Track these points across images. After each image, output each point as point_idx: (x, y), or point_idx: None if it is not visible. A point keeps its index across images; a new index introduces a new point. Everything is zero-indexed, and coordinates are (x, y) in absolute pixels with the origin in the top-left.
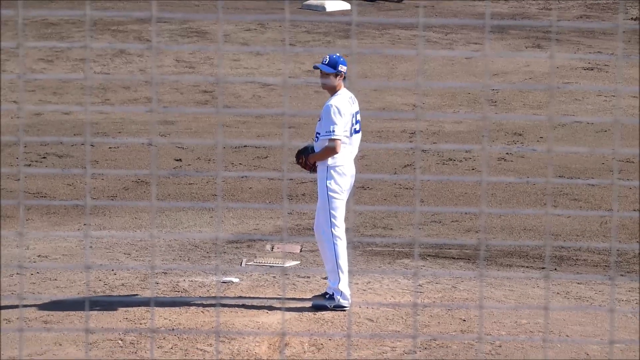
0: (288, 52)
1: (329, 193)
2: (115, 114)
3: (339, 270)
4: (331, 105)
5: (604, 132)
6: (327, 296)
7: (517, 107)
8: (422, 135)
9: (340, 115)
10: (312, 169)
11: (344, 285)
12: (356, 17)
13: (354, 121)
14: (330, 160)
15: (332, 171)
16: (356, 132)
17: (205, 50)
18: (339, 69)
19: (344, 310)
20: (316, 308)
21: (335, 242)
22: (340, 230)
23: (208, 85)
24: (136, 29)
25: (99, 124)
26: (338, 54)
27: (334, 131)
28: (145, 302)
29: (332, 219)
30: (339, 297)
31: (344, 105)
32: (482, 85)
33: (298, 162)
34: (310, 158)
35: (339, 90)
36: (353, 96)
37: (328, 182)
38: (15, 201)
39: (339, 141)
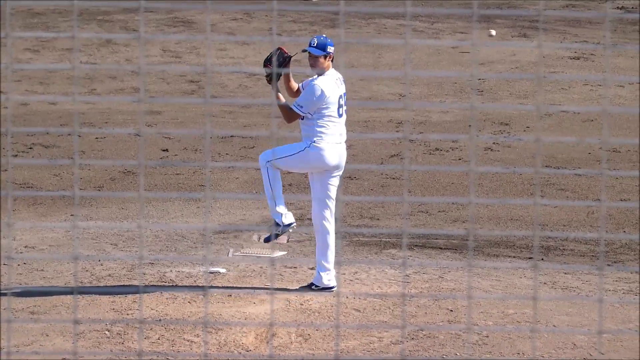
0: (275, 41)
1: (298, 152)
2: (102, 104)
3: (277, 195)
4: (316, 85)
5: (590, 121)
6: (312, 286)
7: (504, 96)
8: (409, 125)
9: (320, 98)
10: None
11: (282, 208)
12: (343, 7)
13: (341, 102)
14: (316, 138)
15: (312, 145)
16: (340, 115)
17: (192, 40)
18: (328, 50)
19: (291, 228)
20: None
21: (267, 168)
22: (275, 170)
23: (194, 75)
24: (122, 18)
25: (85, 114)
26: (324, 35)
27: (301, 107)
28: (132, 293)
29: (276, 162)
30: (279, 220)
31: (330, 87)
32: (469, 75)
33: (265, 66)
34: (276, 94)
35: (327, 71)
36: (341, 77)
37: (306, 150)
38: (3, 192)
39: (297, 116)
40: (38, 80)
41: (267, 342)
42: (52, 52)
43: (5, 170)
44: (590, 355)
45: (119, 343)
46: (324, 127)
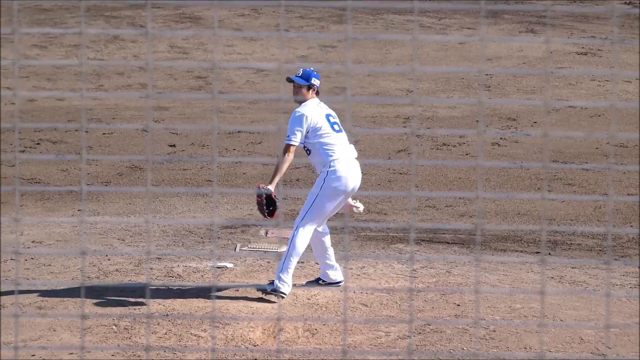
0: (282, 37)
1: (321, 190)
2: (109, 100)
3: (288, 262)
4: (296, 112)
5: (597, 116)
6: (320, 281)
7: (511, 92)
8: (416, 120)
9: (303, 123)
10: (268, 209)
11: (286, 277)
12: (351, 2)
13: (330, 121)
14: (329, 159)
15: (329, 171)
16: (338, 131)
17: (199, 35)
18: (312, 82)
19: (278, 296)
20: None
21: (295, 236)
22: (306, 230)
23: (202, 71)
24: (129, 14)
25: (92, 110)
26: (311, 68)
27: (293, 136)
28: (139, 288)
29: (307, 215)
30: (276, 283)
31: (311, 111)
32: (476, 70)
33: (258, 201)
34: (272, 178)
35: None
36: (322, 103)
37: (326, 180)
38: (10, 187)
39: (292, 147)
40: (45, 77)
41: (275, 337)
42: (60, 48)
43: (13, 165)
44: (598, 349)
45: (126, 338)
46: (328, 144)
